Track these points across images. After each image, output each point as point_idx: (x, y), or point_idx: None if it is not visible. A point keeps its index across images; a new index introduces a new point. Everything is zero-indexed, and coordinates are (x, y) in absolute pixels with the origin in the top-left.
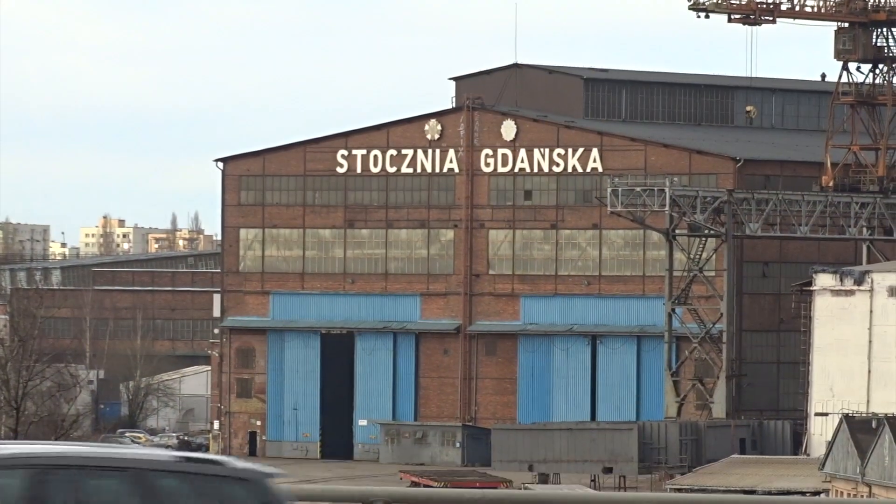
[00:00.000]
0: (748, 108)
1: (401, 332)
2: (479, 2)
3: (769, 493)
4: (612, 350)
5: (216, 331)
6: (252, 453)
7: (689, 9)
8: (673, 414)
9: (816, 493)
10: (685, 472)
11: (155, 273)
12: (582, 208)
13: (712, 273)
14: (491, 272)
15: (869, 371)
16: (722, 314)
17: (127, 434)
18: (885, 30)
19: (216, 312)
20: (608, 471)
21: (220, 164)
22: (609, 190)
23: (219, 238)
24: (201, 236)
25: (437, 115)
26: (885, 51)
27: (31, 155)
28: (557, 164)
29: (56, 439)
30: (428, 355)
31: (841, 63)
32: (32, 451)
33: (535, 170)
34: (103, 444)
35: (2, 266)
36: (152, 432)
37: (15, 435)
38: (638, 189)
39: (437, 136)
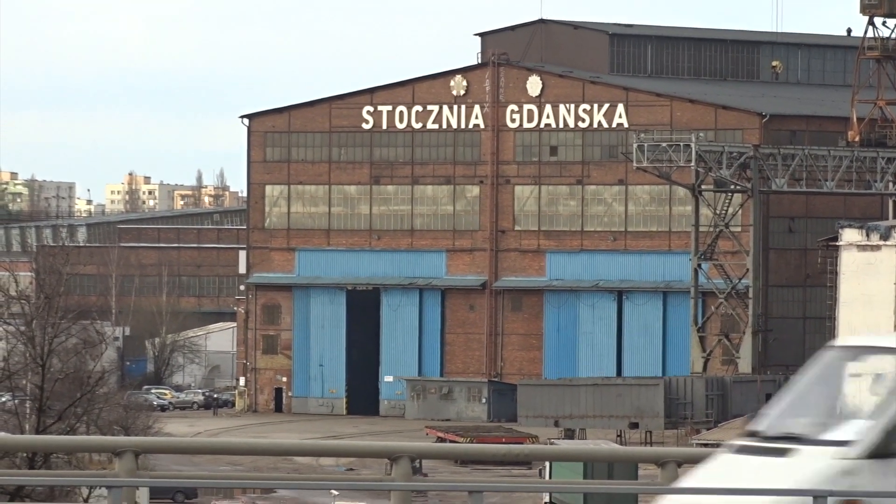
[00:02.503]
0: (774, 63)
1: (427, 289)
2: None
3: None
4: (637, 305)
5: (242, 287)
6: (278, 409)
7: None
8: (699, 369)
9: None
10: (711, 427)
11: (180, 230)
12: (608, 164)
13: (738, 228)
14: (517, 228)
15: (895, 325)
16: (748, 269)
17: (153, 391)
18: None
19: (242, 269)
20: (634, 426)
21: (246, 121)
22: (635, 145)
23: (244, 195)
24: (227, 193)
25: (462, 70)
26: None
27: (56, 112)
28: (583, 120)
29: (81, 397)
30: (454, 311)
31: (867, 17)
32: None
33: (561, 125)
34: None
35: (28, 223)
36: (178, 389)
37: (41, 392)
38: (664, 144)
39: (462, 92)
